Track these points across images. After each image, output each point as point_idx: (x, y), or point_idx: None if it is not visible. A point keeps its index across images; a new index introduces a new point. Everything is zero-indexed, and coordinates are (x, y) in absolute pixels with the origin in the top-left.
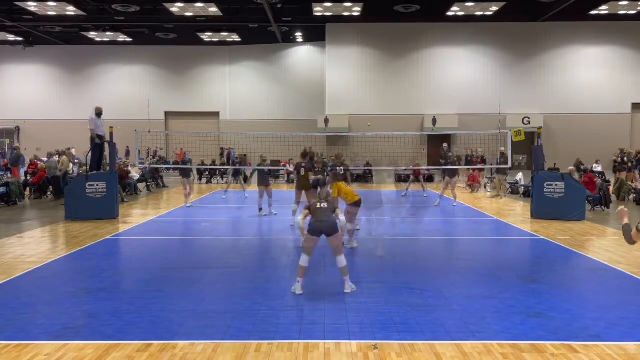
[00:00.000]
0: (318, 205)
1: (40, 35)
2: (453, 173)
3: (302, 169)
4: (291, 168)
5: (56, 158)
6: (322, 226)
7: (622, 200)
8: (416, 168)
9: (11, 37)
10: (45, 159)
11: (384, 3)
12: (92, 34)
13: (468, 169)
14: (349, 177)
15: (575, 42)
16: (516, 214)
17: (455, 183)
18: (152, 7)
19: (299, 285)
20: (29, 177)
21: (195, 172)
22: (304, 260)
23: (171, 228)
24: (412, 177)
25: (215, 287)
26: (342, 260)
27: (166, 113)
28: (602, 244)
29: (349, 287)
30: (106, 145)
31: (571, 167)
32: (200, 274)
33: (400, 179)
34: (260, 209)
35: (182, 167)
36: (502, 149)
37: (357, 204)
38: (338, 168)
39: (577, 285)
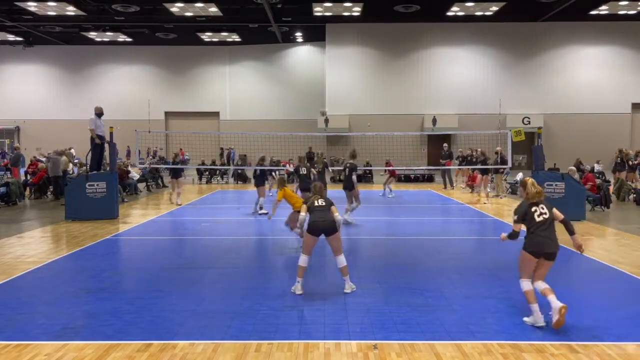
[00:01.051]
0: (316, 204)
1: (40, 35)
2: (486, 172)
3: (347, 169)
4: (291, 168)
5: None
6: (322, 225)
7: (622, 200)
8: (390, 168)
9: (11, 37)
10: (44, 159)
11: (384, 3)
12: (92, 34)
13: (468, 169)
14: (314, 176)
15: (575, 42)
16: None
17: (487, 181)
18: (152, 7)
19: (299, 285)
20: (29, 177)
21: (195, 172)
22: (303, 260)
23: (171, 228)
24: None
25: (215, 287)
26: (342, 260)
27: (166, 113)
28: (602, 244)
29: (349, 287)
30: (106, 145)
31: (571, 167)
32: (200, 274)
33: (400, 179)
34: (261, 207)
35: (173, 167)
36: (498, 148)
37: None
38: (302, 169)
39: (577, 285)
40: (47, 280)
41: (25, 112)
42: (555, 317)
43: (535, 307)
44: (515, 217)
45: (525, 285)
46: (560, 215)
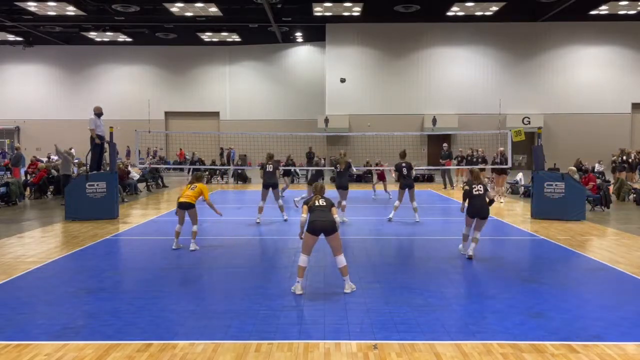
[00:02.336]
0: (317, 204)
1: (40, 35)
2: (503, 171)
3: (404, 168)
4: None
5: (54, 158)
6: (322, 225)
7: (622, 201)
8: (379, 169)
9: (11, 37)
10: (44, 159)
11: (384, 3)
12: (92, 34)
13: (468, 169)
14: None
15: (575, 42)
16: (516, 214)
17: (504, 181)
18: (152, 7)
19: (299, 286)
20: (29, 177)
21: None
22: (303, 260)
23: (171, 228)
24: (376, 177)
25: (215, 287)
26: (342, 260)
27: (166, 113)
28: (602, 244)
29: (349, 287)
30: (106, 145)
31: (571, 167)
32: (200, 274)
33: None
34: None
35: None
36: (501, 148)
37: (181, 205)
38: (267, 165)
39: (577, 285)
40: (47, 280)
41: (25, 112)
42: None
43: (466, 244)
44: (466, 186)
45: (465, 231)
46: (491, 196)
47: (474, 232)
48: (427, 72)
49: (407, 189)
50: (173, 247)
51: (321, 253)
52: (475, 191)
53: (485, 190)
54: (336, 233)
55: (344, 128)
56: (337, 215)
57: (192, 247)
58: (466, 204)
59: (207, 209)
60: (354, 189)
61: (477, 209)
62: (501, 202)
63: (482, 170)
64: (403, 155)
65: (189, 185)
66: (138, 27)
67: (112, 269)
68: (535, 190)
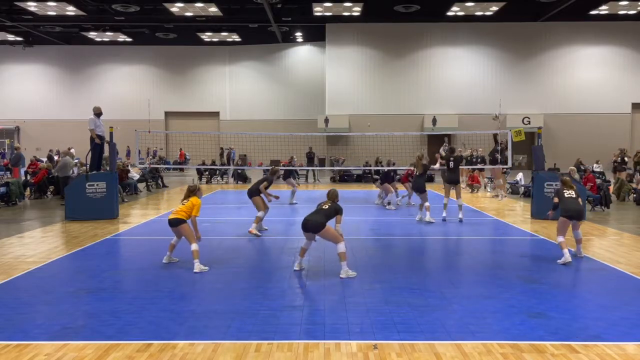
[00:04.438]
0: (320, 207)
1: (40, 35)
2: (495, 163)
3: (416, 169)
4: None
5: (55, 158)
6: (306, 224)
7: (622, 201)
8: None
9: (11, 37)
10: (44, 159)
11: (384, 3)
12: (92, 34)
13: (468, 169)
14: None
15: (575, 42)
16: (516, 214)
17: (499, 172)
18: (152, 7)
19: (297, 264)
20: (29, 177)
21: (195, 172)
22: (304, 243)
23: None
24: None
25: (215, 287)
26: (339, 247)
27: (166, 113)
28: (602, 244)
29: (344, 272)
30: (106, 145)
31: (572, 167)
32: (200, 274)
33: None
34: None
35: (287, 168)
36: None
37: (170, 223)
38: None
39: (577, 285)
40: (47, 280)
41: (25, 112)
42: (577, 254)
43: (565, 251)
44: (554, 195)
45: (560, 239)
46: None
47: (576, 232)
48: (427, 72)
49: (419, 192)
50: (164, 261)
51: (320, 252)
52: (567, 194)
53: (577, 194)
54: (323, 230)
55: (344, 128)
56: (339, 225)
57: (197, 268)
58: (551, 212)
59: (208, 208)
60: (355, 189)
61: (574, 211)
62: (500, 199)
63: (482, 170)
64: (421, 157)
65: (182, 201)
66: (138, 27)
67: (112, 269)
68: (535, 190)
